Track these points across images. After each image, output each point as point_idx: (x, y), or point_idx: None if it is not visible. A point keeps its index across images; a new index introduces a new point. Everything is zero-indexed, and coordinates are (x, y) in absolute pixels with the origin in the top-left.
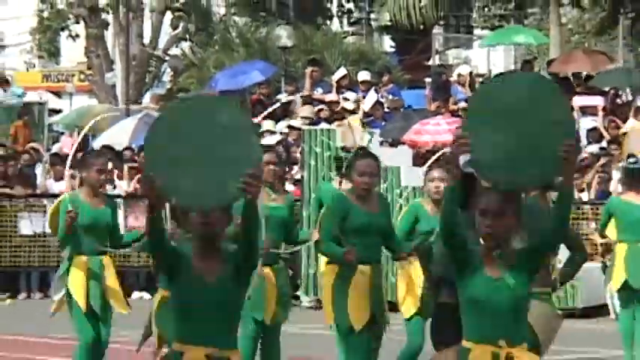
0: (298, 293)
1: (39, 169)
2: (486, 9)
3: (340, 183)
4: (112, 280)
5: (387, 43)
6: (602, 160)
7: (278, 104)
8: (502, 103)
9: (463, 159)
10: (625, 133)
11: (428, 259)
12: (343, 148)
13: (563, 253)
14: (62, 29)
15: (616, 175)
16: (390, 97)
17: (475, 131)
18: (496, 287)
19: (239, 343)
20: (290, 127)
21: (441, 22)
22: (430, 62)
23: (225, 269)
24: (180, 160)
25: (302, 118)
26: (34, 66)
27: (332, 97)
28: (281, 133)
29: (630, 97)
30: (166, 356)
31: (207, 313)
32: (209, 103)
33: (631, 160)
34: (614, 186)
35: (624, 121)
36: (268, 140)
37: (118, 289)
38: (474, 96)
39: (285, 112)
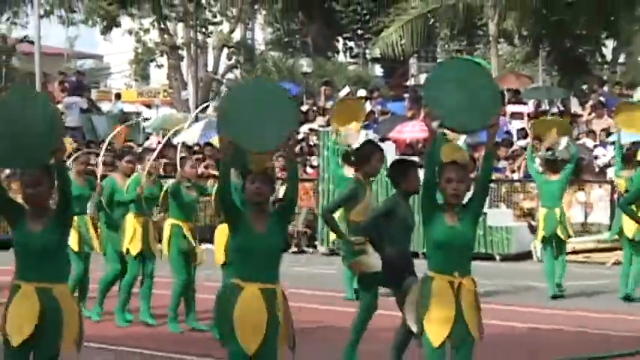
0: (316, 243)
1: None
2: (446, 45)
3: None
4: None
5: (377, 70)
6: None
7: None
8: (450, 76)
9: (434, 123)
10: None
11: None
12: (348, 145)
13: None
14: (151, 61)
15: (537, 160)
16: (379, 107)
17: (436, 98)
18: (453, 232)
19: None
20: (310, 129)
21: (415, 55)
22: (408, 83)
23: (271, 223)
24: (247, 119)
25: (319, 124)
26: (132, 86)
27: None
28: (304, 133)
29: (547, 107)
30: (225, 289)
31: (260, 256)
32: (264, 86)
33: (548, 152)
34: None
35: None
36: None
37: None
38: (431, 74)
39: (307, 118)
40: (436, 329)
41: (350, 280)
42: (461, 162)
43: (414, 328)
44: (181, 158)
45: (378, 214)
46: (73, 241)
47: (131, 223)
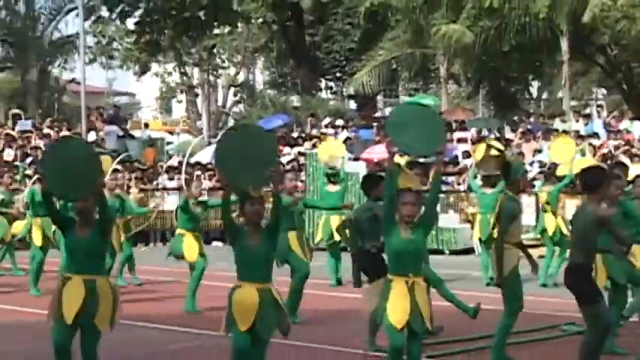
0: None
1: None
2: (406, 84)
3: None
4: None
5: (352, 104)
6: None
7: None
8: (406, 115)
9: (394, 150)
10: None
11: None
12: (331, 168)
13: None
14: (173, 97)
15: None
16: (353, 134)
17: (396, 134)
18: (407, 243)
19: None
20: (299, 152)
21: (382, 92)
22: (376, 114)
23: (264, 237)
24: (237, 161)
25: (305, 147)
26: (158, 117)
27: (322, 130)
28: (294, 154)
29: (487, 133)
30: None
31: (254, 263)
32: (250, 130)
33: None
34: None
35: None
36: (286, 158)
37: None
38: (390, 116)
39: (296, 142)
40: (396, 316)
41: (334, 269)
42: (415, 189)
43: (370, 308)
44: (186, 180)
45: (368, 216)
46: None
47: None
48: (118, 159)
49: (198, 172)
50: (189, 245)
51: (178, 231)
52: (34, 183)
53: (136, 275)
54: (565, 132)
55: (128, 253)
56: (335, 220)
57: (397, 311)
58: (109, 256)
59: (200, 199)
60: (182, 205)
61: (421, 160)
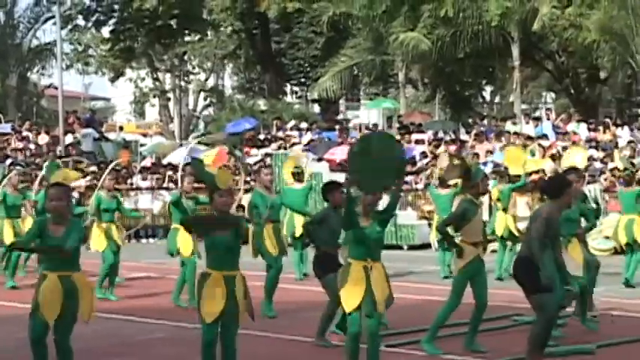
0: None
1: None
2: (367, 89)
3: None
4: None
5: (316, 108)
6: (428, 170)
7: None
8: (368, 149)
9: (352, 188)
10: (439, 154)
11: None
12: (296, 167)
13: None
14: (146, 101)
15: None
16: (317, 136)
17: (356, 167)
18: (367, 231)
19: None
20: (266, 153)
21: (344, 96)
22: (339, 118)
23: (231, 230)
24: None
25: (272, 149)
26: (132, 121)
27: (287, 133)
28: (261, 155)
29: (442, 135)
30: (200, 276)
31: (223, 252)
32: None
33: (439, 172)
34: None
35: (438, 148)
36: (253, 159)
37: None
38: (352, 149)
39: (263, 144)
40: (350, 300)
41: (298, 264)
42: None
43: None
44: (181, 176)
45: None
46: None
47: (95, 229)
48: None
49: (170, 173)
50: (185, 240)
51: (173, 226)
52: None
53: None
54: (516, 134)
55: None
56: (299, 217)
57: (351, 296)
58: (112, 253)
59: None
60: (174, 201)
61: None
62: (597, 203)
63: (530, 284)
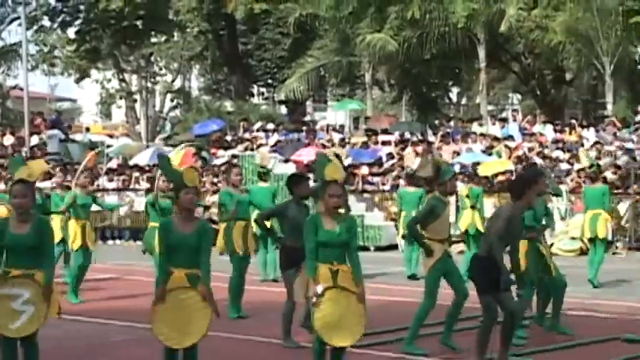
0: None
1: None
2: (334, 91)
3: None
4: None
5: (283, 109)
6: (395, 171)
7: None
8: None
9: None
10: (405, 155)
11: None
12: (262, 167)
13: None
14: (112, 103)
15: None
16: (284, 137)
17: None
18: (331, 234)
19: None
20: (233, 155)
21: (311, 98)
22: (306, 119)
23: (195, 228)
24: None
25: (238, 150)
26: (98, 122)
27: (254, 134)
28: (228, 157)
29: (409, 136)
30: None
31: (186, 251)
32: None
33: (408, 170)
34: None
35: (404, 149)
36: (220, 160)
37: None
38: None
39: (229, 145)
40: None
41: (263, 264)
42: (341, 180)
43: (297, 298)
44: (157, 176)
45: (269, 211)
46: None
47: (72, 225)
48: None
49: (137, 174)
50: None
51: (150, 224)
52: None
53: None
54: (483, 135)
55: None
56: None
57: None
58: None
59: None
60: (150, 202)
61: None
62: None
63: (485, 284)
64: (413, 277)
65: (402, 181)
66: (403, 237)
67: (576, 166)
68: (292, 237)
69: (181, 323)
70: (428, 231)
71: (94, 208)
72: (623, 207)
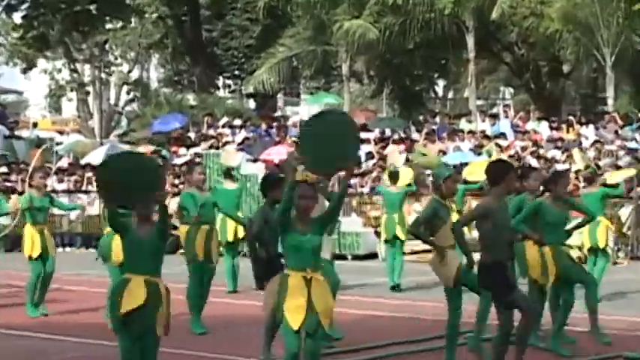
0: None
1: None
2: (307, 83)
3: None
4: None
5: (251, 104)
6: (375, 172)
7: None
8: (321, 128)
9: (300, 168)
10: (386, 155)
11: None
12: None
13: None
14: (62, 95)
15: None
16: (252, 134)
17: (305, 148)
18: (303, 239)
19: None
20: (195, 153)
21: (282, 91)
22: (276, 114)
23: (154, 231)
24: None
25: (202, 148)
26: (47, 116)
27: (219, 130)
28: (190, 155)
29: (390, 134)
30: (120, 281)
31: (144, 256)
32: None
33: (391, 166)
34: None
35: (385, 148)
36: (181, 159)
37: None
38: (302, 127)
39: (192, 142)
40: (293, 316)
41: (231, 274)
42: (312, 181)
43: (267, 310)
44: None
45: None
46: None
47: (29, 231)
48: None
49: (89, 174)
50: (119, 247)
51: (107, 230)
52: None
53: None
54: (471, 132)
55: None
56: (232, 222)
57: (293, 310)
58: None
59: None
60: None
61: None
62: None
63: (499, 289)
64: (396, 288)
65: (384, 178)
66: (386, 241)
67: (574, 167)
68: (274, 245)
69: None
70: (437, 238)
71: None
72: (625, 212)
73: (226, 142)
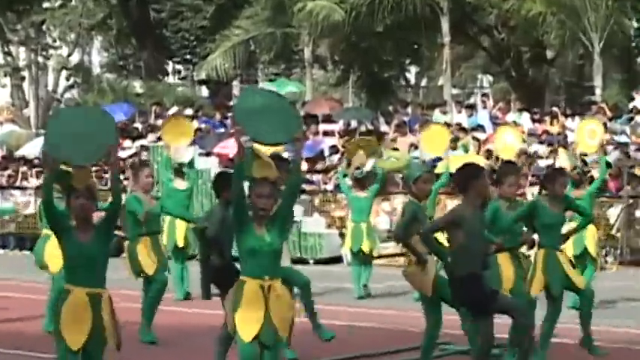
0: None
1: None
2: (266, 69)
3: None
4: None
5: (204, 91)
6: (339, 167)
7: None
8: (257, 101)
9: (244, 140)
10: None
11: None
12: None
13: None
14: None
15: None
16: (204, 125)
17: (246, 121)
18: (261, 241)
19: None
20: (142, 145)
21: (238, 77)
22: (231, 103)
23: (96, 233)
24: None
25: (149, 140)
26: None
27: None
28: (136, 148)
29: (357, 126)
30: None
31: (86, 264)
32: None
33: (357, 171)
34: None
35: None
36: (127, 153)
37: None
38: (239, 101)
39: (139, 134)
40: (246, 327)
41: (179, 281)
42: (271, 178)
43: (229, 326)
44: None
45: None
46: None
47: None
48: None
49: (24, 168)
50: (54, 251)
51: (44, 231)
52: None
53: None
54: (446, 124)
55: None
56: (181, 225)
57: (247, 321)
58: None
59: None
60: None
61: (283, 154)
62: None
63: (477, 304)
64: (364, 292)
65: (348, 182)
66: (352, 252)
67: (558, 164)
68: (226, 249)
69: None
70: (416, 243)
71: None
72: (614, 212)
73: None
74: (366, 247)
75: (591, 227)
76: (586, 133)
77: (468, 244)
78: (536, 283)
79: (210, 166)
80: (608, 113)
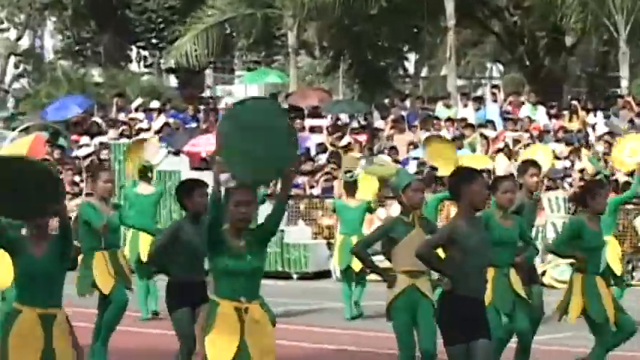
0: None
1: None
2: (244, 56)
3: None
4: None
5: (173, 81)
6: (328, 169)
7: None
8: (245, 121)
9: (223, 177)
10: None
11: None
12: (146, 162)
13: None
14: None
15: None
16: (173, 120)
17: (228, 148)
18: (239, 259)
19: None
20: (101, 142)
21: (211, 65)
22: (204, 95)
23: (52, 248)
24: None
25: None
26: None
27: (132, 115)
28: (94, 146)
29: (348, 121)
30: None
31: (40, 281)
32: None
33: (347, 174)
34: (339, 189)
35: (341, 139)
36: (84, 151)
37: None
38: (223, 119)
39: (98, 130)
40: (217, 353)
41: (144, 299)
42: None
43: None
44: None
45: (164, 241)
46: None
47: None
48: None
49: None
50: (4, 266)
51: None
52: None
53: None
54: (450, 120)
55: None
56: (145, 236)
57: (219, 347)
58: None
59: None
60: None
61: None
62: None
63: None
64: (356, 314)
65: (336, 187)
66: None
67: (578, 165)
68: (189, 268)
69: None
70: (394, 262)
71: None
72: None
73: (140, 130)
74: (356, 265)
75: (613, 241)
76: (626, 150)
77: (463, 263)
78: (573, 309)
79: (180, 166)
80: (636, 108)
